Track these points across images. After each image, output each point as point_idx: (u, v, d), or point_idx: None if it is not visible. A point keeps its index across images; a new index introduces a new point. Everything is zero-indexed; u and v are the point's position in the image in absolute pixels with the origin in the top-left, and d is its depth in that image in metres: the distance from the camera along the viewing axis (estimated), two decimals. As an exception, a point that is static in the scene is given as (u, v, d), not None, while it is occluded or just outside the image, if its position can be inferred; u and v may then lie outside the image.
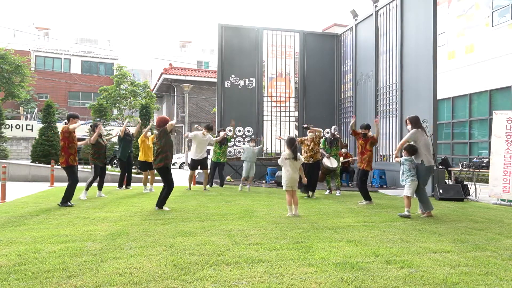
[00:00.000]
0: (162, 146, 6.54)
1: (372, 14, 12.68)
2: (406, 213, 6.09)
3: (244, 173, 10.17)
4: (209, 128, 10.14)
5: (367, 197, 7.60)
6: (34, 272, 3.20)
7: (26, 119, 28.47)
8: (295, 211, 6.09)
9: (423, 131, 6.43)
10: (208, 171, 10.32)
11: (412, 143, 6.38)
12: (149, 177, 9.69)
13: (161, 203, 6.52)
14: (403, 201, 7.88)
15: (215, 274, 3.21)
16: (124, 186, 9.85)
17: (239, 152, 13.66)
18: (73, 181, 6.89)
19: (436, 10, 9.86)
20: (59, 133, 7.10)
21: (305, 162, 8.39)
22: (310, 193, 8.65)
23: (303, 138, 8.84)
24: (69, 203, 6.80)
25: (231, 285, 2.98)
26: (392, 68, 11.65)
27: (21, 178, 12.71)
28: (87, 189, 7.98)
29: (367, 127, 7.90)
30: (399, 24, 11.16)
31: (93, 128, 8.39)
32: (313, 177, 8.49)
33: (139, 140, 9.74)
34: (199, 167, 10.03)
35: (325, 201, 8.00)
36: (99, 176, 8.30)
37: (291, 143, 6.16)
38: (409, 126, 6.50)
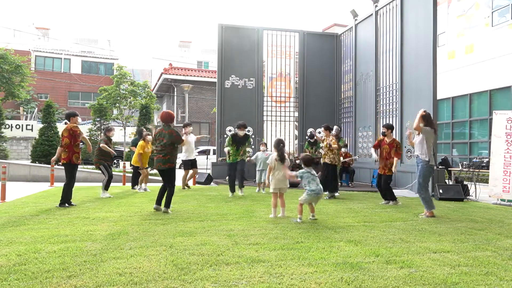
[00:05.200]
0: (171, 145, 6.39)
1: (372, 14, 12.67)
2: (299, 220, 5.59)
3: (257, 180, 9.78)
4: (187, 125, 10.22)
5: (393, 198, 7.69)
6: (34, 272, 3.20)
7: (26, 119, 28.48)
8: (282, 213, 6.01)
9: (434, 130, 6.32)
10: (198, 170, 10.43)
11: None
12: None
13: (168, 203, 6.31)
14: (403, 201, 7.90)
15: (215, 274, 3.21)
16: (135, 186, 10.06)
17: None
18: (70, 180, 6.78)
19: (436, 10, 9.86)
20: (63, 131, 6.92)
21: (327, 162, 8.45)
22: (333, 194, 8.56)
23: (323, 138, 8.65)
24: (67, 205, 6.69)
25: (231, 285, 2.98)
26: (392, 68, 11.64)
27: (21, 178, 12.72)
28: (105, 189, 8.15)
29: (389, 126, 7.72)
30: (399, 24, 11.16)
31: (105, 132, 8.53)
32: (328, 177, 8.40)
33: (139, 145, 9.36)
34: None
35: (325, 201, 8.00)
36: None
37: (277, 145, 6.15)
38: (421, 124, 6.20)
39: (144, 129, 10.99)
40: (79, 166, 7.21)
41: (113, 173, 8.65)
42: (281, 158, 6.05)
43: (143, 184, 9.68)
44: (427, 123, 6.23)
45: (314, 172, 5.78)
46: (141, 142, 9.36)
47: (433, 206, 6.22)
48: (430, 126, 6.25)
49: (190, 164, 10.28)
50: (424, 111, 6.28)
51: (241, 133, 8.81)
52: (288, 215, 6.03)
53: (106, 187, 8.22)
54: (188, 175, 10.38)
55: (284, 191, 6.15)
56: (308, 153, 5.97)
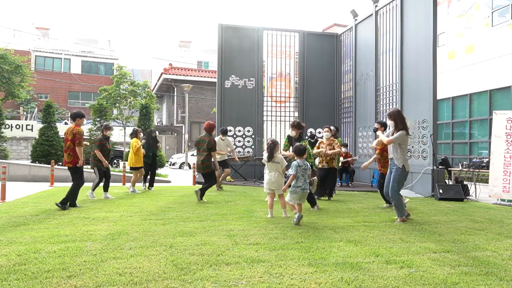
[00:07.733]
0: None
1: (372, 14, 12.67)
2: (296, 218, 5.34)
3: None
4: (224, 132, 10.46)
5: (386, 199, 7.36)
6: (34, 272, 3.20)
7: (26, 119, 28.46)
8: (284, 214, 6.00)
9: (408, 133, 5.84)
10: (228, 170, 10.25)
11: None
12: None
13: (203, 192, 7.67)
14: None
15: (215, 274, 3.21)
16: (146, 186, 10.06)
17: (239, 152, 13.65)
18: (79, 182, 6.63)
19: (436, 10, 9.85)
20: (69, 133, 6.60)
21: (321, 167, 8.23)
22: (327, 196, 8.37)
23: (319, 141, 8.29)
24: (66, 206, 6.46)
25: (231, 285, 2.98)
26: (392, 68, 11.64)
27: (21, 178, 12.71)
28: (93, 189, 8.05)
29: (382, 123, 7.28)
30: (399, 24, 11.16)
31: (102, 130, 8.43)
32: (327, 182, 8.16)
33: (133, 141, 9.49)
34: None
35: (325, 201, 8.00)
36: (105, 178, 8.20)
37: (267, 145, 6.18)
38: (391, 122, 5.82)
39: (139, 129, 10.92)
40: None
41: (111, 173, 8.63)
42: (268, 157, 6.02)
43: (128, 184, 9.64)
44: (398, 124, 5.75)
45: (306, 165, 5.52)
46: (134, 139, 9.48)
47: (403, 213, 5.80)
48: (402, 126, 5.74)
49: (218, 165, 10.14)
50: (389, 116, 5.83)
51: (295, 134, 6.97)
52: (289, 215, 6.03)
53: (94, 187, 8.07)
54: (222, 176, 10.06)
55: (280, 192, 6.06)
56: (301, 144, 5.76)
